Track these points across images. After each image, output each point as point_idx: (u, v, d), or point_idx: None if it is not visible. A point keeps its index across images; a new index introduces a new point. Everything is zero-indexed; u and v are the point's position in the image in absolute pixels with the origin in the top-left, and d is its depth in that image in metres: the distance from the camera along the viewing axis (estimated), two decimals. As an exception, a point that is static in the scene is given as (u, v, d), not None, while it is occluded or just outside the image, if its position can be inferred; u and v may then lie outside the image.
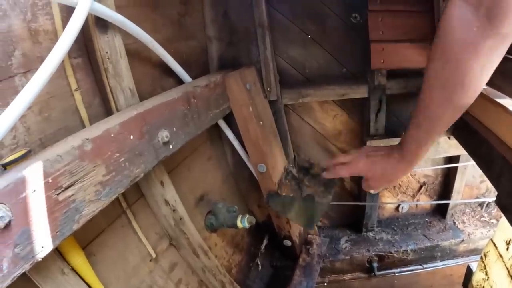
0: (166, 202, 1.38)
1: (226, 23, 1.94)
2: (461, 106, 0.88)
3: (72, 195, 0.79)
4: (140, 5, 1.41)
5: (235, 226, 1.70)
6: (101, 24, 1.09)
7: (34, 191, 0.71)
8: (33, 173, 0.71)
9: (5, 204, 0.65)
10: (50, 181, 0.74)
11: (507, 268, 1.59)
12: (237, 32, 1.95)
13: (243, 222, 1.68)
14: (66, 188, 0.78)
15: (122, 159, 0.94)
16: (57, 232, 0.76)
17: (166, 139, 1.11)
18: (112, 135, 0.92)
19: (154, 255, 1.40)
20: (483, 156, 1.18)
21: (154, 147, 1.08)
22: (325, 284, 2.54)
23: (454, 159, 2.37)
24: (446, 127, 0.94)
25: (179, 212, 1.44)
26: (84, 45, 1.13)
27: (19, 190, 0.69)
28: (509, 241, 1.60)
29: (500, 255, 1.67)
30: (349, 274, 2.56)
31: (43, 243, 0.73)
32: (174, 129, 1.18)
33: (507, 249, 1.61)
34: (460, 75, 0.82)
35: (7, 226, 0.65)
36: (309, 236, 2.39)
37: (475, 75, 0.81)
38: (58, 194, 0.76)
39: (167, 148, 1.14)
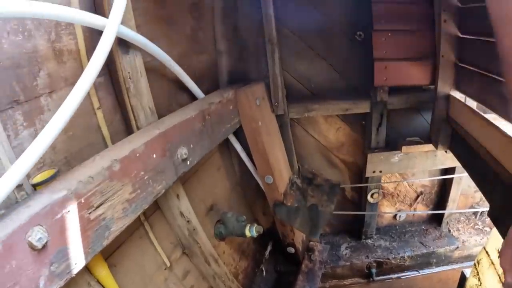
0: (181, 214, 1.39)
1: (236, 38, 1.95)
2: None
3: (103, 213, 0.81)
4: (156, 22, 1.42)
5: (243, 235, 1.72)
6: (123, 44, 1.10)
7: (69, 211, 0.72)
8: (68, 195, 0.72)
9: (42, 225, 0.67)
10: (83, 201, 0.76)
11: (498, 275, 1.63)
12: (247, 47, 1.96)
13: (252, 231, 1.70)
14: (97, 207, 0.79)
15: (146, 177, 0.96)
16: (89, 249, 0.78)
17: (185, 156, 1.12)
18: (137, 154, 0.93)
19: (168, 264, 1.42)
20: (477, 170, 1.20)
21: (174, 164, 1.09)
22: (326, 289, 2.56)
23: (450, 170, 2.40)
24: None
25: (193, 222, 1.46)
26: (106, 65, 1.12)
27: (55, 212, 0.70)
28: None
29: (492, 263, 1.70)
30: (349, 280, 2.59)
31: (76, 260, 0.75)
32: (192, 145, 1.19)
33: (499, 256, 1.63)
34: None
35: (44, 246, 0.67)
36: (311, 243, 2.40)
37: None
38: (90, 213, 0.77)
39: (185, 164, 1.15)
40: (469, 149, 1.30)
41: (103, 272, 1.02)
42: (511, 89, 0.63)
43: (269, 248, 2.31)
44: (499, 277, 1.60)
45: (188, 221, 1.43)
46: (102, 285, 1.02)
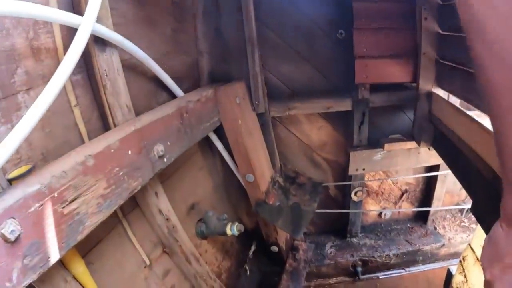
0: (160, 211, 1.42)
1: (218, 39, 1.99)
2: None
3: (76, 208, 0.83)
4: (137, 23, 1.45)
5: (224, 233, 1.75)
6: (100, 43, 1.13)
7: (42, 205, 0.75)
8: (41, 189, 0.75)
9: (15, 218, 0.69)
10: (56, 195, 0.78)
11: None
12: (228, 47, 1.99)
13: (232, 229, 1.73)
14: (71, 202, 0.82)
15: (122, 173, 0.98)
16: (62, 243, 0.80)
17: (161, 153, 1.15)
18: (112, 150, 0.96)
19: (148, 262, 1.44)
20: (460, 166, 1.22)
21: (151, 161, 1.12)
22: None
23: (435, 168, 2.45)
24: None
25: (172, 221, 1.48)
26: (83, 63, 1.16)
27: (28, 205, 0.73)
28: None
29: (478, 259, 1.73)
30: (334, 278, 2.62)
31: (50, 254, 0.77)
32: (169, 143, 1.22)
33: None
34: None
35: (17, 239, 0.69)
36: (295, 242, 2.43)
37: None
38: (63, 208, 0.80)
39: (162, 161, 1.18)
40: (452, 146, 1.32)
41: (79, 268, 1.04)
42: (481, 82, 0.64)
43: (253, 247, 2.34)
44: None
45: (167, 219, 1.45)
46: (79, 282, 1.04)
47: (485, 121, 1.17)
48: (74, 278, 1.03)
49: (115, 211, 1.24)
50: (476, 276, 1.74)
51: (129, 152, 1.02)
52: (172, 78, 1.57)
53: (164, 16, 1.67)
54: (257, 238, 2.36)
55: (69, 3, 1.08)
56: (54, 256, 0.78)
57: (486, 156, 1.07)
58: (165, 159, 1.19)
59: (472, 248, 1.81)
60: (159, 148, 1.15)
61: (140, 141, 1.07)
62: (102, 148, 0.93)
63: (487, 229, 1.03)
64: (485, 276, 0.73)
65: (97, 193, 0.90)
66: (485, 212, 1.07)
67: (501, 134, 0.63)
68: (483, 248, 0.78)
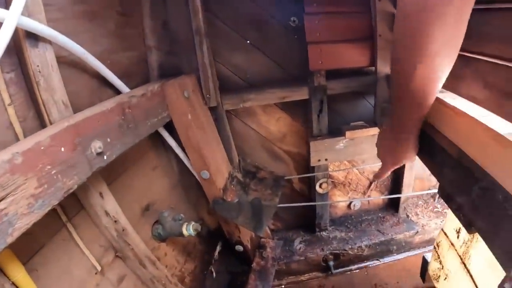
0: (107, 213, 1.42)
1: (166, 33, 1.99)
2: None
3: (4, 208, 0.83)
4: (77, 17, 1.44)
5: (181, 234, 1.75)
6: (33, 38, 1.13)
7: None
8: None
9: None
10: (-19, 195, 0.79)
11: (459, 256, 1.68)
12: (177, 40, 2.00)
13: (189, 229, 1.74)
14: (-2, 202, 0.82)
15: (54, 171, 0.99)
16: (-9, 245, 0.80)
17: (99, 150, 1.15)
18: (42, 148, 0.96)
19: (99, 268, 1.43)
20: (425, 149, 1.24)
21: (88, 158, 1.12)
22: (283, 286, 2.62)
23: (401, 154, 2.49)
24: None
25: (121, 223, 1.48)
26: (17, 59, 1.16)
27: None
28: (459, 229, 1.69)
29: (452, 244, 1.76)
30: (306, 275, 2.66)
31: (-24, 256, 0.77)
32: (108, 139, 1.22)
33: (458, 237, 1.70)
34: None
35: None
36: (262, 239, 2.46)
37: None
38: (-11, 208, 0.80)
39: (102, 158, 1.19)
40: None
41: (19, 274, 1.04)
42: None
43: (218, 248, 2.35)
44: (460, 258, 1.66)
45: (115, 221, 1.45)
46: (18, 288, 1.04)
47: (446, 97, 1.21)
48: (14, 284, 1.03)
49: (57, 214, 1.26)
50: (451, 261, 1.77)
51: (62, 149, 1.02)
52: (119, 74, 1.58)
53: (108, 11, 1.67)
54: (222, 238, 2.37)
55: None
56: (-19, 258, 0.79)
57: (448, 131, 1.09)
58: (105, 157, 1.20)
59: (445, 233, 1.85)
60: (96, 145, 1.15)
61: (75, 138, 1.08)
62: (31, 145, 0.93)
63: (456, 209, 1.06)
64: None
65: (27, 193, 0.90)
66: (452, 191, 1.09)
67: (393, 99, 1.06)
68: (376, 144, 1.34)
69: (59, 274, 1.26)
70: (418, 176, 2.71)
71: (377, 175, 1.39)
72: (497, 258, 0.78)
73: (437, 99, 1.22)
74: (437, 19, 0.75)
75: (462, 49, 1.06)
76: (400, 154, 1.23)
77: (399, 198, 2.77)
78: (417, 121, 1.11)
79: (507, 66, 0.89)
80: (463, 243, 1.62)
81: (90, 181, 1.31)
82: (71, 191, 1.05)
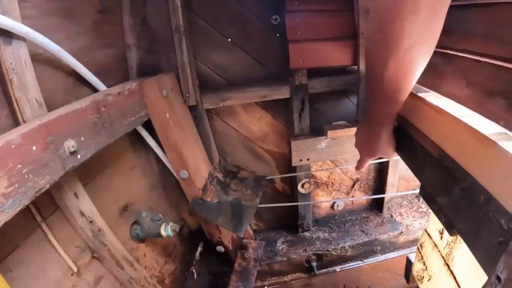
0: (82, 213, 1.42)
1: (145, 30, 1.99)
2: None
3: (-27, 207, 0.83)
4: (53, 14, 1.44)
5: (159, 235, 1.76)
6: (6, 35, 1.12)
7: None
8: None
9: None
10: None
11: (443, 257, 1.67)
12: (157, 38, 2.00)
13: (167, 230, 1.74)
14: (-34, 201, 0.82)
15: (25, 170, 0.98)
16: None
17: (72, 149, 1.15)
18: (13, 146, 0.96)
19: (75, 269, 1.43)
20: (406, 148, 1.24)
21: (60, 158, 1.12)
22: (266, 287, 2.62)
23: (385, 154, 2.51)
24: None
25: (97, 223, 1.48)
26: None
27: None
28: (442, 230, 1.68)
29: (435, 245, 1.76)
30: (289, 275, 2.66)
31: None
32: (82, 138, 1.22)
33: (441, 238, 1.69)
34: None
35: None
36: (244, 240, 2.46)
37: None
38: (-43, 208, 0.80)
39: (75, 158, 1.18)
40: (397, 128, 1.35)
41: (-10, 274, 1.04)
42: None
43: (199, 249, 2.36)
44: (444, 260, 1.65)
45: (91, 222, 1.45)
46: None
47: (428, 96, 1.21)
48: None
49: (32, 214, 1.25)
50: (434, 262, 1.76)
51: (34, 148, 1.02)
52: (96, 72, 1.58)
53: (85, 7, 1.66)
54: (203, 239, 2.38)
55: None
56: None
57: (428, 131, 1.10)
58: (78, 156, 1.20)
59: (428, 234, 1.85)
60: (69, 144, 1.15)
61: (47, 136, 1.08)
62: (2, 144, 0.92)
63: (437, 210, 1.06)
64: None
65: (-3, 192, 0.90)
66: (432, 191, 1.10)
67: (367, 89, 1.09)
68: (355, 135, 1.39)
69: (34, 275, 1.26)
70: (402, 176, 2.74)
71: (356, 166, 1.42)
72: (478, 260, 0.78)
73: (418, 97, 1.23)
74: (409, 13, 0.74)
75: (443, 47, 1.08)
76: (373, 147, 1.25)
77: (383, 198, 2.80)
78: (389, 116, 1.13)
79: (490, 63, 0.89)
80: (447, 244, 1.62)
81: (64, 181, 1.32)
82: (43, 190, 1.05)
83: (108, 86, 1.63)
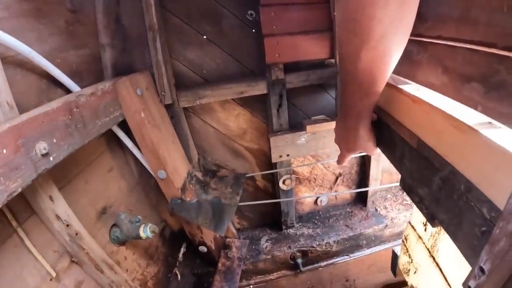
0: (58, 217, 1.42)
1: (119, 30, 1.99)
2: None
3: None
4: (23, 15, 1.44)
5: (138, 236, 1.76)
6: (-27, 37, 1.13)
7: None
8: None
9: None
10: None
11: (427, 249, 1.70)
12: (131, 37, 2.00)
13: (146, 231, 1.74)
14: None
15: (-4, 173, 0.99)
16: None
17: (44, 151, 1.15)
18: (-18, 150, 0.96)
19: (54, 274, 1.43)
20: (385, 140, 1.24)
21: (32, 160, 1.12)
22: (251, 286, 2.65)
23: (366, 148, 2.54)
24: None
25: (74, 226, 1.48)
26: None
27: None
28: (426, 221, 1.72)
29: (420, 237, 1.80)
30: (274, 273, 2.70)
31: None
32: (54, 140, 1.23)
33: (425, 230, 1.73)
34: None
35: None
36: (228, 239, 2.48)
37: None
38: None
39: (48, 160, 1.19)
40: (377, 121, 1.35)
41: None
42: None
43: (182, 250, 2.37)
44: (429, 251, 1.68)
45: (67, 226, 1.45)
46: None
47: (405, 86, 1.21)
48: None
49: (7, 219, 1.25)
50: (419, 254, 1.80)
51: (4, 151, 1.03)
52: (70, 73, 1.58)
53: (56, 8, 1.66)
54: (186, 239, 2.39)
55: None
56: None
57: (408, 122, 1.10)
58: (51, 158, 1.20)
59: (412, 226, 1.89)
60: (41, 146, 1.15)
61: (17, 139, 1.08)
62: (-30, 148, 0.93)
63: (418, 202, 1.06)
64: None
65: (-33, 196, 0.90)
66: (412, 182, 1.10)
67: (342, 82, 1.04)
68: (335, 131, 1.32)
69: (11, 282, 1.26)
70: (385, 169, 2.79)
71: (337, 161, 1.39)
72: (461, 251, 0.78)
73: (394, 87, 1.24)
74: None
75: (418, 35, 1.09)
76: (352, 142, 1.21)
77: (367, 192, 2.84)
78: (365, 109, 1.09)
79: (465, 48, 0.88)
80: (431, 235, 1.65)
81: (39, 184, 1.32)
82: (15, 194, 1.06)
83: (82, 87, 1.63)
